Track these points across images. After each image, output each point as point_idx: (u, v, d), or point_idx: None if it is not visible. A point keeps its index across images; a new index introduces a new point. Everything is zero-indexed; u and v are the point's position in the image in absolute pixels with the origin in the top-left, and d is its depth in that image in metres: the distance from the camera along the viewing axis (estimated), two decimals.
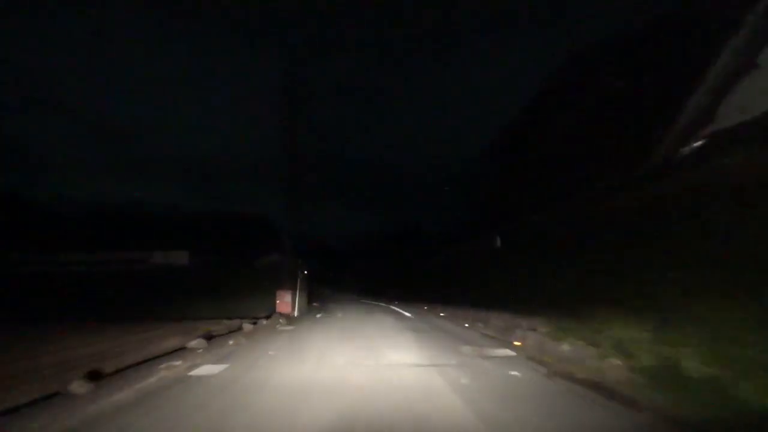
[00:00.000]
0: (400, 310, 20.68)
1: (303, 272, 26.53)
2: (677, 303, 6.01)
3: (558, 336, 7.78)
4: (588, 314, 7.84)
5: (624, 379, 5.19)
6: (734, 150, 6.93)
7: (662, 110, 10.12)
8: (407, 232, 49.83)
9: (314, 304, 29.14)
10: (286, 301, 17.81)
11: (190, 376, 5.96)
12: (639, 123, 11.34)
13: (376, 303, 30.30)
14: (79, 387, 4.96)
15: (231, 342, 8.84)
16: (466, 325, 12.68)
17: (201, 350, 7.87)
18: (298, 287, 18.50)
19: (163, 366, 6.46)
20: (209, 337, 9.07)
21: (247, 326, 10.99)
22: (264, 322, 12.78)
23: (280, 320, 14.32)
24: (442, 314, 17.45)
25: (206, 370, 6.31)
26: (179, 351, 7.76)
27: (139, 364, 6.66)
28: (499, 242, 16.10)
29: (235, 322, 13.07)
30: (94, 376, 5.47)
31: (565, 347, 6.99)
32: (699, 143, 8.73)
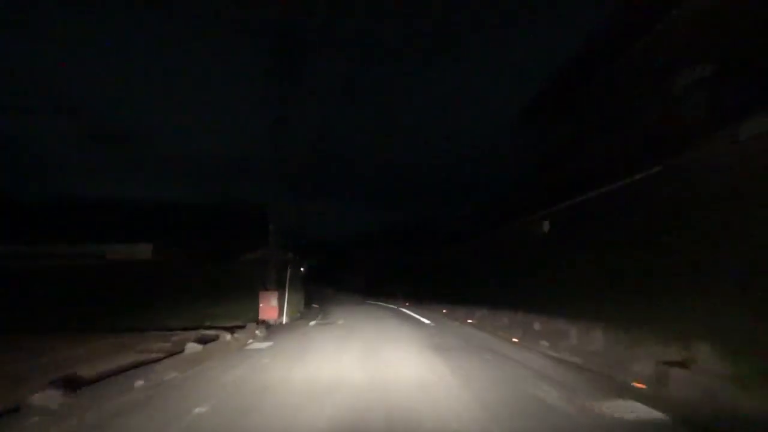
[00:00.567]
0: (415, 315, 16.92)
1: (299, 269, 22.86)
2: None
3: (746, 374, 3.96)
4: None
5: None
6: None
7: None
8: (417, 226, 46.09)
9: (314, 305, 25.50)
10: (271, 306, 14.12)
11: None
12: None
13: (385, 304, 26.52)
14: None
15: (139, 383, 5.13)
16: (515, 340, 8.87)
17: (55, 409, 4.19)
18: (287, 288, 14.81)
19: None
20: (93, 380, 5.36)
21: (191, 348, 7.26)
22: (229, 336, 9.09)
23: (257, 332, 10.62)
24: (470, 321, 13.66)
25: None
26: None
27: None
28: (547, 227, 12.23)
29: (189, 336, 9.41)
30: None
31: None
32: None
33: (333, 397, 4.56)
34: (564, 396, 4.43)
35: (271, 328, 12.10)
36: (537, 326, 8.94)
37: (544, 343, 7.76)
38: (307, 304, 23.62)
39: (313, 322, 14.26)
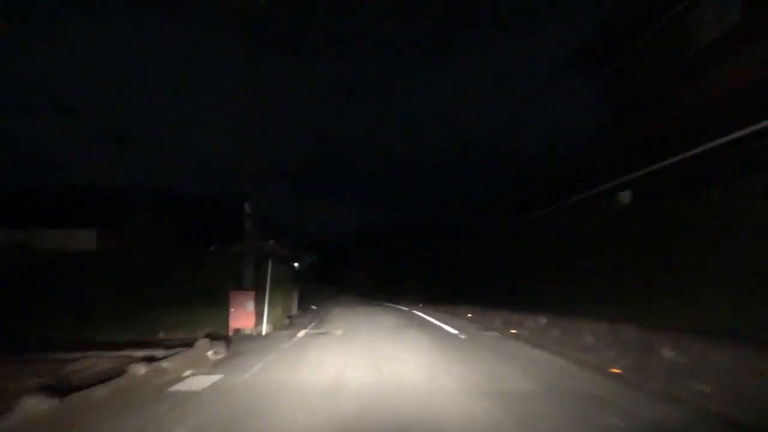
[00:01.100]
0: (434, 320, 13.33)
1: (289, 265, 19.33)
2: None
3: None
4: None
5: None
6: None
7: None
8: (428, 221, 42.48)
9: (312, 306, 21.98)
10: (247, 311, 10.57)
11: None
12: None
13: (393, 305, 22.87)
14: None
15: None
16: (616, 371, 5.25)
17: None
18: (268, 287, 11.25)
19: None
20: None
21: (31, 408, 3.69)
22: (144, 370, 5.50)
23: (210, 353, 7.07)
24: (513, 331, 10.04)
25: None
26: None
27: None
28: (629, 197, 8.57)
29: (95, 364, 5.88)
30: None
31: None
32: None
33: None
34: None
35: (237, 344, 8.55)
36: (668, 352, 5.26)
37: (704, 388, 4.11)
38: (304, 306, 20.10)
39: (302, 332, 10.70)
